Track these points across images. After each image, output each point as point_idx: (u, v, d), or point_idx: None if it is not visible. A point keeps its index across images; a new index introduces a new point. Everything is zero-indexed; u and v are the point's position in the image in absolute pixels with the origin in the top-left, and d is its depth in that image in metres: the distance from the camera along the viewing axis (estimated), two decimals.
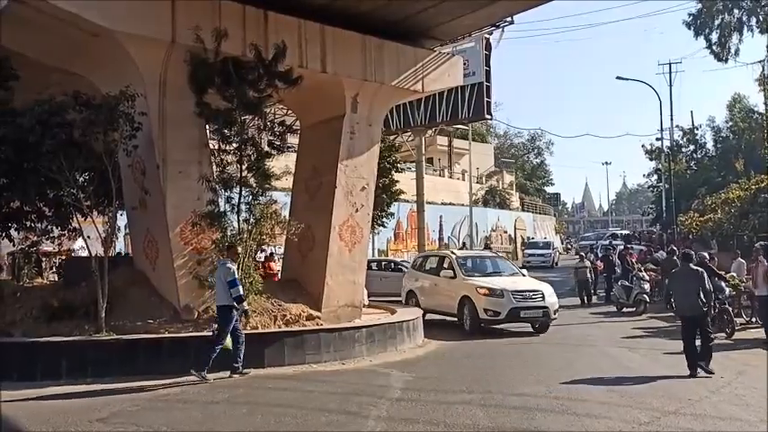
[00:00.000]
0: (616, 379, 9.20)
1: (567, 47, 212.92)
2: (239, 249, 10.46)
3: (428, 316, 14.99)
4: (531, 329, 14.39)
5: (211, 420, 7.18)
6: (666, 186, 36.23)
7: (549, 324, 14.29)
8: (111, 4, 10.18)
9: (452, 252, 16.81)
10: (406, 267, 19.45)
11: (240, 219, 11.21)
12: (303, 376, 9.65)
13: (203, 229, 10.95)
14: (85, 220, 11.17)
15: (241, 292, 9.59)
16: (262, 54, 11.14)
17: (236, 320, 9.56)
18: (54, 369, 9.25)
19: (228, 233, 11.00)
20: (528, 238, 48.91)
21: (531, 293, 14.15)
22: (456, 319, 14.66)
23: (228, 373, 9.43)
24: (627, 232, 47.29)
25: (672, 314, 15.59)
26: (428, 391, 8.43)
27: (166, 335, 10.21)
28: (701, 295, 9.34)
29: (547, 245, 41.49)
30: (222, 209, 11.12)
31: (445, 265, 15.47)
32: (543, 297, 14.12)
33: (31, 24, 10.70)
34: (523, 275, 15.73)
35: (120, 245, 17.85)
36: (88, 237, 11.13)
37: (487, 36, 25.00)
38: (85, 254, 11.49)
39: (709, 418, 7.07)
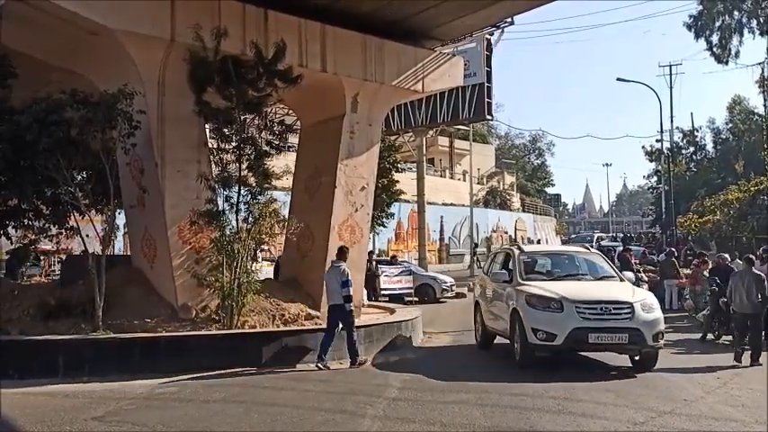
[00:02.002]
0: (613, 377, 9.19)
1: (568, 48, 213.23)
2: (346, 250, 11.22)
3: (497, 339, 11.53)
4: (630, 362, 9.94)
5: (207, 419, 7.16)
6: (666, 188, 36.25)
7: (654, 356, 9.63)
8: (110, 3, 10.15)
9: (518, 246, 12.68)
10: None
11: (239, 218, 11.19)
12: (300, 375, 9.63)
13: (202, 228, 10.92)
14: (83, 218, 11.16)
15: (351, 293, 10.44)
16: (262, 53, 11.12)
17: (351, 316, 10.40)
18: (51, 367, 9.22)
19: (227, 232, 10.99)
20: (514, 239, 45.65)
21: (613, 307, 9.45)
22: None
23: (315, 363, 10.07)
24: (600, 234, 47.14)
25: (671, 313, 15.75)
26: (425, 391, 8.41)
27: (164, 334, 10.19)
28: (760, 296, 10.43)
29: None
30: (221, 208, 11.11)
31: (510, 265, 11.23)
32: (632, 312, 9.37)
33: (30, 22, 10.70)
34: (622, 280, 10.84)
35: (119, 244, 17.86)
36: (87, 235, 11.12)
37: (488, 37, 25.07)
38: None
39: (705, 418, 7.06)
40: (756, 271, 10.89)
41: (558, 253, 13.04)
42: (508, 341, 10.51)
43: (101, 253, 10.55)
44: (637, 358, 9.71)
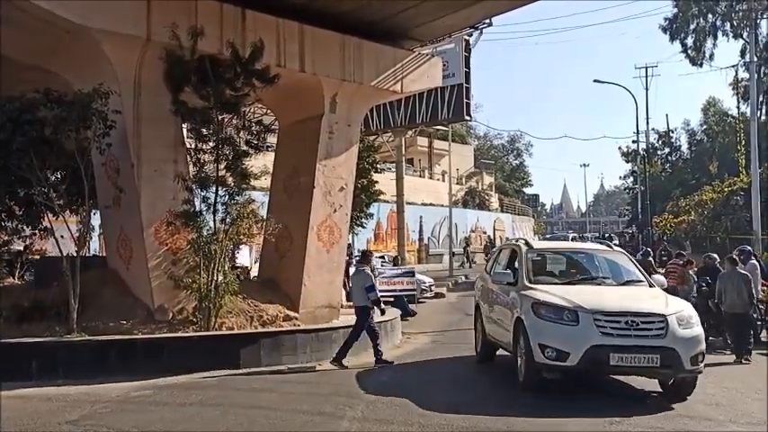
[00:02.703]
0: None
1: (547, 50, 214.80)
2: (370, 254, 11.72)
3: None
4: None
5: (184, 422, 7.09)
6: (642, 188, 36.69)
7: (692, 382, 7.92)
8: (86, 2, 10.02)
9: (525, 241, 10.04)
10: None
11: (216, 218, 11.11)
12: (278, 377, 9.56)
13: (179, 228, 10.82)
14: (57, 219, 11.01)
15: (378, 296, 10.75)
16: (239, 52, 11.05)
17: (371, 318, 10.69)
18: (24, 370, 9.06)
19: (204, 233, 10.90)
20: (488, 241, 42.33)
21: (641, 320, 7.62)
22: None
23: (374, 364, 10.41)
24: (574, 234, 47.50)
25: None
26: (403, 392, 8.39)
27: (140, 336, 10.08)
28: (748, 295, 10.94)
29: None
30: (198, 208, 11.02)
31: (515, 263, 9.55)
32: (665, 328, 7.61)
33: (3, 20, 10.51)
34: (651, 286, 8.94)
35: (94, 244, 17.64)
36: (61, 236, 10.96)
37: (467, 38, 25.14)
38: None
39: (679, 417, 7.14)
40: (741, 271, 11.28)
41: (574, 251, 10.80)
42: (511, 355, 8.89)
43: (75, 254, 10.40)
44: (670, 383, 7.97)
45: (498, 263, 10.58)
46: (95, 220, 12.74)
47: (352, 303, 15.31)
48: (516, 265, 9.41)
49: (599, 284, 9.06)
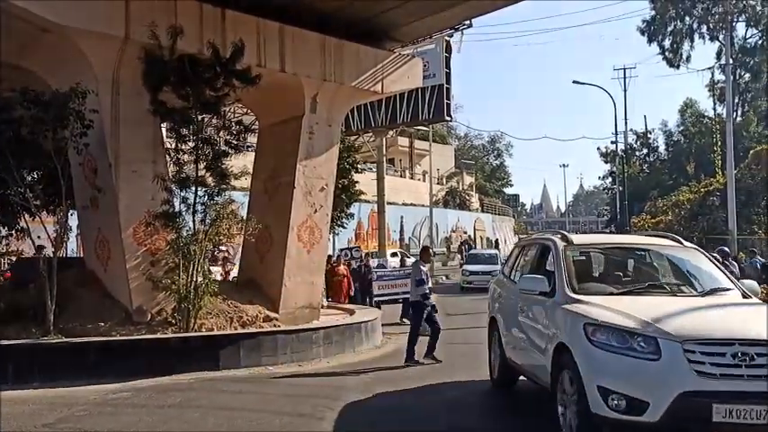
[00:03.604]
0: None
1: (526, 51, 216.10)
2: (431, 251, 11.72)
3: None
4: None
5: (162, 424, 7.04)
6: (620, 188, 37.06)
7: None
8: (62, 1, 9.91)
9: (562, 235, 7.26)
10: None
11: (196, 219, 11.04)
12: (258, 379, 9.54)
13: (157, 229, 10.74)
14: (33, 219, 10.87)
15: (426, 291, 10.77)
16: (219, 52, 10.98)
17: (427, 312, 10.77)
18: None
19: (184, 234, 10.83)
20: (466, 246, 39.57)
21: (755, 351, 5.06)
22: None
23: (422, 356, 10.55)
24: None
25: None
26: (384, 393, 8.41)
27: (118, 338, 9.99)
28: None
29: (491, 258, 27.42)
30: (177, 209, 10.94)
31: (547, 265, 7.07)
32: None
33: None
34: (746, 296, 6.42)
35: (71, 245, 17.45)
36: (38, 237, 10.83)
37: (447, 38, 25.21)
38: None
39: None
40: None
41: (630, 247, 7.65)
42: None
43: (52, 255, 10.28)
44: None
45: (521, 264, 8.31)
46: (73, 220, 12.63)
47: (329, 304, 15.51)
48: (549, 266, 6.93)
49: (673, 294, 6.41)
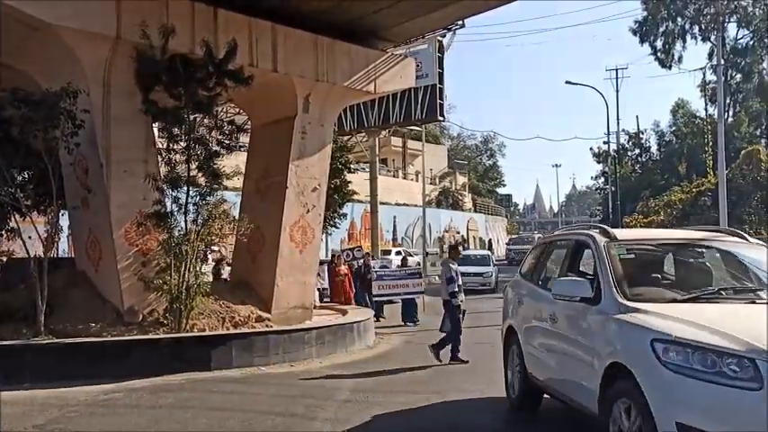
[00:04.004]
0: None
1: (520, 51, 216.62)
2: (460, 249, 11.66)
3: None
4: None
5: (154, 425, 7.01)
6: (613, 189, 37.18)
7: None
8: (53, 0, 9.87)
9: (603, 230, 6.14)
10: None
11: (188, 219, 11.00)
12: (251, 379, 9.51)
13: (149, 229, 10.70)
14: (24, 219, 10.81)
15: (455, 289, 10.69)
16: (212, 52, 10.96)
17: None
18: None
19: (176, 234, 10.80)
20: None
21: None
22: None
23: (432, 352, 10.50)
24: (540, 235, 47.76)
25: None
26: (376, 392, 8.42)
27: (109, 338, 9.95)
28: None
29: (484, 259, 26.75)
30: (169, 209, 10.91)
31: (582, 266, 6.27)
32: None
33: None
34: None
35: (63, 245, 17.37)
36: (29, 237, 10.77)
37: (440, 39, 25.24)
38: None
39: None
40: None
41: (686, 243, 6.25)
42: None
43: (43, 255, 10.23)
44: None
45: (546, 265, 7.15)
46: (64, 220, 12.57)
47: (322, 304, 15.47)
48: (585, 267, 6.05)
49: (752, 302, 5.02)
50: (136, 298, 10.74)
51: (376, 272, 16.64)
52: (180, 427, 6.92)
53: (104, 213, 10.77)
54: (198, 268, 11.00)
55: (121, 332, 10.25)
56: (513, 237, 54.44)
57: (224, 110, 20.17)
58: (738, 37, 42.80)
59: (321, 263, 17.95)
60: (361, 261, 18.12)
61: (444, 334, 10.73)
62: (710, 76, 39.81)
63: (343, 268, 16.93)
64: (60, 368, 9.13)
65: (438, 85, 27.94)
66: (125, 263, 10.72)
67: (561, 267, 6.48)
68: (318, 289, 16.62)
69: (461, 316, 10.77)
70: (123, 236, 10.72)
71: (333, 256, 18.92)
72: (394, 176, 46.07)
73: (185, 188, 10.94)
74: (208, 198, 11.12)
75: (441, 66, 28.00)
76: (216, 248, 16.62)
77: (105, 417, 7.38)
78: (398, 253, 29.17)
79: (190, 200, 10.94)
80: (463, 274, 23.94)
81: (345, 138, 28.78)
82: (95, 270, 11.24)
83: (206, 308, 11.12)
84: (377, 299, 16.31)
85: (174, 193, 11.00)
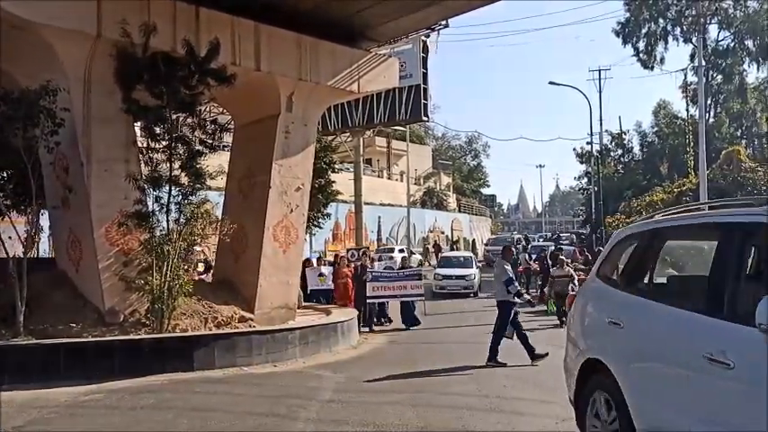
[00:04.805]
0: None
1: (504, 51, 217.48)
2: (513, 250, 11.50)
3: None
4: None
5: (135, 426, 6.96)
6: (596, 189, 37.42)
7: None
8: None
9: None
10: None
11: (170, 219, 10.93)
12: (233, 379, 9.47)
13: (130, 229, 10.62)
14: (2, 219, 10.68)
15: (518, 288, 10.81)
16: (194, 50, 10.90)
17: (514, 314, 10.55)
18: None
19: (157, 233, 10.73)
20: (430, 245, 37.46)
21: None
22: None
23: (530, 361, 10.17)
24: (519, 236, 47.92)
25: None
26: (359, 392, 8.42)
27: (90, 339, 9.86)
28: None
29: (466, 261, 25.16)
30: (151, 208, 10.83)
31: (751, 268, 3.82)
32: None
33: None
34: None
35: (44, 246, 17.18)
36: (9, 237, 10.64)
37: (424, 39, 25.25)
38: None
39: None
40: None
41: None
42: None
43: (22, 255, 10.11)
44: None
45: (659, 265, 5.08)
46: (45, 220, 12.44)
47: (307, 304, 15.35)
48: (747, 266, 3.89)
49: None
50: (117, 298, 10.65)
51: (371, 272, 15.88)
52: (161, 427, 6.86)
53: (85, 213, 10.67)
54: (180, 268, 10.90)
55: (102, 333, 10.16)
56: (492, 237, 52.22)
57: (208, 109, 20.08)
58: (719, 39, 43.30)
59: (330, 264, 17.80)
60: (359, 263, 17.07)
61: (516, 339, 10.50)
62: (692, 78, 40.21)
63: (347, 270, 16.15)
64: (40, 369, 9.05)
65: (422, 86, 27.95)
66: (106, 263, 10.63)
67: (712, 270, 3.97)
68: (325, 290, 16.48)
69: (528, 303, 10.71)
70: (104, 236, 10.63)
71: (336, 256, 18.44)
72: (378, 176, 46.02)
73: (167, 187, 10.86)
74: (190, 198, 11.05)
75: (425, 66, 28.01)
76: (198, 249, 16.56)
77: (85, 418, 7.30)
78: (401, 251, 28.97)
79: (172, 199, 10.87)
80: (444, 277, 23.17)
81: (329, 137, 28.74)
82: (76, 270, 11.13)
83: (188, 308, 11.07)
84: (371, 301, 15.46)
85: (155, 193, 10.91)
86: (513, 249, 11.86)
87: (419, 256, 30.72)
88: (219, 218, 12.92)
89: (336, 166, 25.98)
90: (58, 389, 8.51)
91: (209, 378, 9.45)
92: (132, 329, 10.45)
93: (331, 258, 20.27)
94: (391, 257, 26.00)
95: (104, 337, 10.03)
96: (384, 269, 17.20)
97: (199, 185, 11.17)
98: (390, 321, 15.84)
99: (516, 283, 10.73)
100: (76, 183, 10.73)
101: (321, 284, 16.61)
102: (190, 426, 6.88)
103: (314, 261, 19.64)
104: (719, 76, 43.62)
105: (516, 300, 10.72)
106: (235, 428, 6.78)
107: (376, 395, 8.25)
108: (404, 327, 15.20)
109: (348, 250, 21.14)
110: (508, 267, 10.89)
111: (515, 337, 10.51)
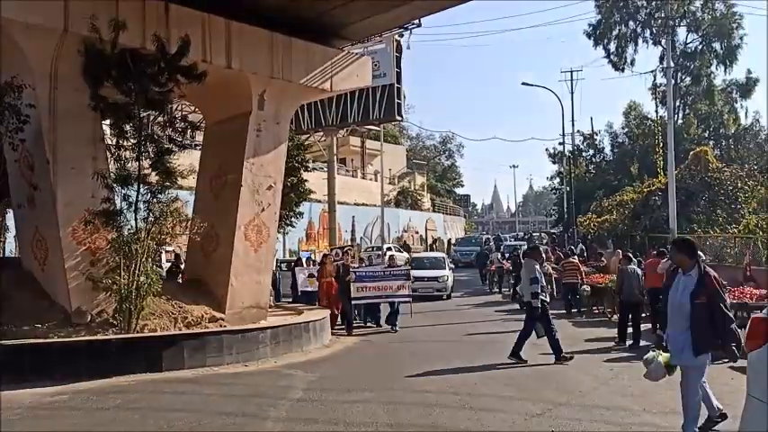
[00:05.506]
0: (512, 370, 9.48)
1: (476, 52, 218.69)
2: (541, 250, 11.75)
3: None
4: None
5: (101, 427, 6.85)
6: (568, 189, 37.78)
7: None
8: None
9: None
10: None
11: (138, 217, 10.78)
12: (202, 379, 9.36)
13: (98, 228, 10.45)
14: None
15: (538, 290, 10.50)
16: (165, 47, 10.76)
17: (542, 311, 10.44)
18: None
19: (125, 232, 10.57)
20: (533, 244, 36.62)
21: None
22: None
23: (554, 360, 10.19)
24: (488, 236, 48.15)
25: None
26: (330, 391, 8.38)
27: (56, 339, 9.67)
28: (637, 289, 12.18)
29: (438, 262, 24.13)
30: (119, 207, 10.68)
31: None
32: None
33: None
34: None
35: (10, 245, 16.85)
36: None
37: (398, 38, 25.28)
38: None
39: (597, 408, 7.39)
40: (632, 267, 12.80)
41: None
42: None
43: None
44: None
45: None
46: (10, 219, 12.21)
47: (279, 303, 15.22)
48: None
49: None
50: (84, 298, 10.48)
51: (355, 271, 15.03)
52: (127, 427, 6.77)
53: (51, 211, 10.48)
54: (149, 267, 10.76)
55: (69, 333, 9.99)
56: (460, 237, 51.29)
57: (179, 107, 19.86)
58: (688, 41, 43.97)
59: (317, 263, 17.43)
60: (341, 262, 16.20)
61: (545, 339, 10.43)
62: (661, 79, 40.74)
63: (331, 269, 15.42)
64: (5, 371, 8.83)
65: (396, 85, 27.97)
66: (72, 262, 10.46)
67: None
68: (310, 292, 16.19)
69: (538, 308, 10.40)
70: (71, 234, 10.45)
71: (324, 255, 18.08)
72: (353, 176, 45.96)
73: (136, 186, 10.71)
74: (159, 196, 10.91)
75: (398, 65, 28.03)
76: (170, 248, 16.38)
77: (50, 419, 7.17)
78: (389, 249, 28.73)
79: (140, 198, 10.73)
80: (416, 279, 21.09)
81: (303, 137, 28.62)
82: (42, 270, 10.93)
83: (157, 308, 10.94)
84: (355, 302, 14.78)
85: (124, 191, 10.76)
86: (537, 247, 12.12)
87: (406, 255, 30.59)
88: (190, 217, 12.77)
89: (310, 166, 25.89)
90: (23, 390, 8.35)
91: (178, 378, 9.34)
92: (99, 330, 10.29)
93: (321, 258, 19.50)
94: (379, 255, 25.30)
95: (71, 337, 9.85)
96: (377, 269, 15.97)
97: (168, 184, 11.04)
98: (379, 324, 15.18)
99: (539, 285, 10.51)
100: (42, 181, 10.54)
101: (310, 286, 16.28)
102: (156, 426, 6.79)
103: (304, 261, 19.47)
104: (688, 78, 44.27)
105: (542, 299, 10.50)
106: (203, 428, 6.72)
107: (346, 394, 8.22)
108: (387, 328, 14.59)
109: (332, 249, 20.87)
110: (537, 267, 10.78)
111: (541, 334, 10.51)
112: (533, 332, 10.49)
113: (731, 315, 6.05)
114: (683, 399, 6.02)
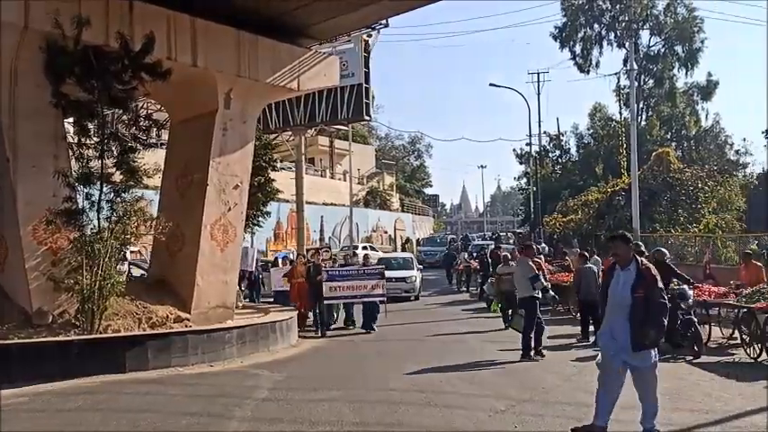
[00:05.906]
0: (478, 368, 9.59)
1: (444, 53, 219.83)
2: (534, 247, 11.84)
3: None
4: None
5: (61, 428, 6.75)
6: (534, 189, 38.24)
7: None
8: None
9: None
10: None
11: (101, 217, 10.62)
12: (167, 380, 9.27)
13: (59, 227, 10.27)
14: None
15: (545, 283, 10.81)
16: (128, 44, 10.62)
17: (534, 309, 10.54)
18: None
19: (88, 232, 10.41)
20: (525, 243, 35.49)
21: None
22: None
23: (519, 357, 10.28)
24: (453, 236, 48.31)
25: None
26: (296, 390, 8.38)
27: (15, 341, 9.48)
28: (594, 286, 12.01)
29: (406, 262, 23.82)
30: (81, 206, 10.51)
31: None
32: None
33: None
34: None
35: None
36: None
37: (366, 38, 25.30)
38: None
39: (559, 404, 7.50)
40: (590, 265, 13.28)
41: None
42: None
43: None
44: None
45: None
46: None
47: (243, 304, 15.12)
48: None
49: None
50: (45, 299, 10.29)
51: (327, 270, 14.67)
52: (88, 428, 6.68)
53: (11, 211, 10.29)
54: (112, 267, 10.60)
55: (29, 334, 9.80)
56: (425, 237, 50.92)
57: (143, 105, 19.60)
58: (651, 44, 44.85)
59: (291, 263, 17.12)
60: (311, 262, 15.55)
61: (508, 333, 10.67)
62: (625, 81, 41.52)
63: (302, 269, 15.13)
64: None
65: (364, 85, 27.97)
66: (33, 262, 10.27)
67: None
68: (285, 291, 15.98)
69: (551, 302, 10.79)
70: (31, 234, 10.26)
71: (297, 255, 17.88)
72: (321, 176, 45.87)
73: (98, 184, 10.55)
74: (123, 195, 10.76)
75: (367, 65, 28.02)
76: (135, 248, 16.17)
77: (7, 422, 7.01)
78: (365, 248, 28.66)
79: (103, 197, 10.57)
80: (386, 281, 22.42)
81: (271, 136, 28.46)
82: (1, 270, 10.72)
83: (121, 308, 10.79)
84: (327, 302, 14.43)
85: (86, 190, 10.59)
86: (530, 245, 12.13)
87: (380, 253, 30.55)
88: (155, 216, 12.61)
89: (278, 165, 25.77)
90: None
91: (142, 379, 9.24)
92: (61, 331, 10.11)
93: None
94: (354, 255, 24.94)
95: (31, 338, 9.67)
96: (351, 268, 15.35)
97: (132, 183, 10.90)
98: (354, 325, 14.94)
99: (542, 280, 10.72)
100: (2, 179, 10.34)
101: (285, 286, 15.97)
102: (118, 427, 6.72)
103: (280, 262, 19.32)
104: (651, 81, 45.20)
105: (535, 296, 10.64)
106: (167, 428, 6.66)
107: (312, 393, 8.23)
108: (363, 330, 14.33)
109: (308, 250, 20.67)
110: (532, 265, 10.87)
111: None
112: (507, 323, 10.58)
113: (667, 305, 6.07)
114: (641, 394, 6.11)
